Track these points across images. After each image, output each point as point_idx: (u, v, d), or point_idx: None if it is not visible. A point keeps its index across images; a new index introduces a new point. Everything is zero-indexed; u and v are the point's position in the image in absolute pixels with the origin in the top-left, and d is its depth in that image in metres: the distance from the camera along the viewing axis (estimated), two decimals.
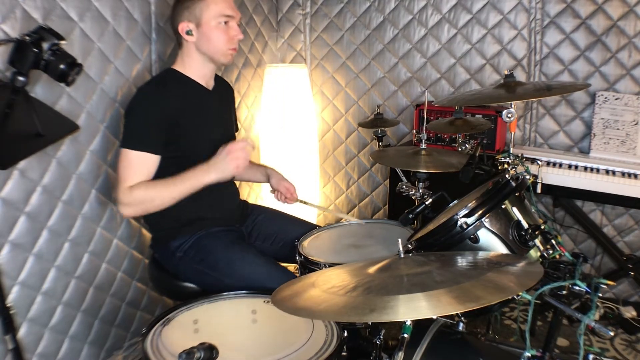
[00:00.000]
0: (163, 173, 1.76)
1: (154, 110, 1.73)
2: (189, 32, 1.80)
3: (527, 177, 1.52)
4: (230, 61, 1.88)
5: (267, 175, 2.19)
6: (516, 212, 1.38)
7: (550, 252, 1.35)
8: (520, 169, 1.56)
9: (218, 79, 2.02)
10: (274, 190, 2.19)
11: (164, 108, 1.74)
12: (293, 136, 3.01)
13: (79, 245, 1.92)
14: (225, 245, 1.82)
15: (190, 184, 1.72)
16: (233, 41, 1.84)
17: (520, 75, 2.74)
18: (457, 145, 2.06)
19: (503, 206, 1.40)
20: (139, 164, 1.72)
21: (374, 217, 3.34)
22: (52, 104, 1.72)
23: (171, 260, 1.85)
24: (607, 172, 2.36)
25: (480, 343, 1.44)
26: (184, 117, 1.78)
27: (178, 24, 1.81)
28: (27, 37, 1.32)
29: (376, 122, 2.45)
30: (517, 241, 1.37)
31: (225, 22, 1.81)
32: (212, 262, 1.77)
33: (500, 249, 1.38)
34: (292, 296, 1.15)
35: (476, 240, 1.37)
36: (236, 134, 2.20)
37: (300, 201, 2.18)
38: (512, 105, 1.58)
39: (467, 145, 2.01)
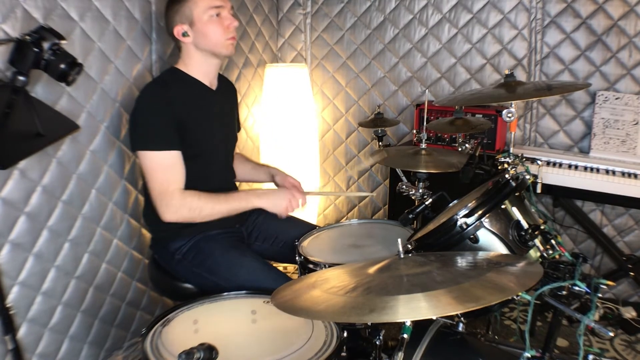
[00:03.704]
0: None
1: (162, 109, 1.72)
2: (184, 34, 1.80)
3: (527, 177, 1.52)
4: (232, 51, 1.87)
5: (271, 174, 2.18)
6: (516, 212, 1.38)
7: (550, 252, 1.35)
8: (520, 168, 1.56)
9: (222, 79, 2.02)
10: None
11: (171, 107, 1.73)
12: (293, 136, 3.01)
13: (79, 245, 1.92)
14: (224, 248, 1.82)
15: (239, 204, 1.81)
16: (229, 30, 1.83)
17: (520, 75, 2.74)
18: (457, 145, 2.06)
19: (503, 206, 1.40)
20: (171, 163, 1.73)
21: (373, 217, 3.34)
22: (52, 103, 1.72)
23: (170, 261, 1.85)
24: (607, 172, 2.36)
25: (480, 343, 1.44)
26: (188, 117, 1.78)
27: (173, 29, 1.81)
28: (27, 37, 1.32)
29: (376, 122, 2.45)
30: (517, 241, 1.37)
31: (217, 14, 1.81)
32: (210, 265, 1.77)
33: (500, 249, 1.38)
34: (292, 296, 1.15)
35: (476, 240, 1.37)
36: (238, 134, 2.20)
37: (307, 193, 2.17)
38: (512, 105, 1.58)
39: (467, 145, 2.00)
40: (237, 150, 2.20)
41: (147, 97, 1.77)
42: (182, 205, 1.71)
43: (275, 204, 1.84)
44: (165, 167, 1.72)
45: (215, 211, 1.76)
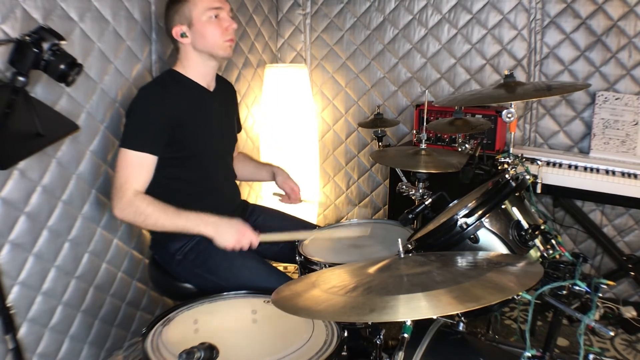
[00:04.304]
0: (163, 173, 1.77)
1: (155, 111, 1.73)
2: (183, 35, 1.80)
3: (527, 177, 1.52)
4: (230, 54, 1.87)
5: (273, 173, 2.18)
6: (516, 212, 1.38)
7: (550, 252, 1.35)
8: (520, 169, 1.56)
9: (220, 80, 2.02)
10: (277, 194, 2.19)
11: (166, 109, 1.74)
12: (293, 136, 3.01)
13: (79, 245, 1.92)
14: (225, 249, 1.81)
15: (188, 224, 1.70)
16: (228, 32, 1.83)
17: (520, 75, 2.74)
18: (457, 145, 2.06)
19: (503, 206, 1.40)
20: (139, 164, 1.72)
21: (374, 217, 3.34)
22: (52, 104, 1.72)
23: (171, 262, 1.84)
24: (607, 172, 2.36)
25: (480, 343, 1.44)
26: (185, 119, 1.78)
27: (172, 30, 1.81)
28: (27, 37, 1.32)
29: (376, 122, 2.45)
30: (517, 241, 1.37)
31: (216, 16, 1.81)
32: (211, 266, 1.77)
33: (500, 249, 1.38)
34: (292, 296, 1.15)
35: (476, 240, 1.37)
36: (238, 134, 2.20)
37: (304, 201, 2.17)
38: (512, 106, 1.58)
39: (467, 145, 2.00)
40: (238, 150, 2.20)
41: (142, 98, 1.78)
42: (129, 206, 1.69)
43: (223, 237, 1.71)
44: (131, 165, 1.71)
45: (159, 223, 1.70)
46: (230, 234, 1.71)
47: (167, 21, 1.84)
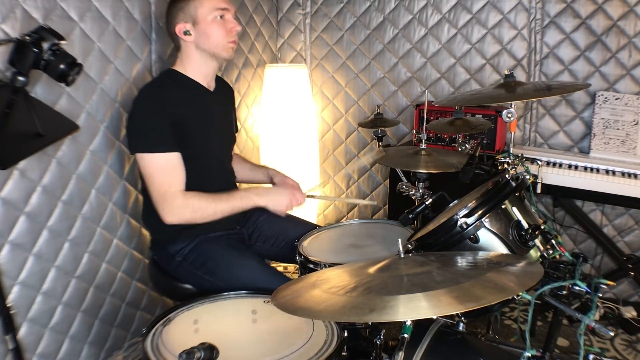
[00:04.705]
0: None
1: (160, 111, 1.72)
2: (186, 32, 1.80)
3: (527, 177, 1.52)
4: (231, 55, 1.88)
5: (270, 175, 2.18)
6: (516, 212, 1.38)
7: (550, 252, 1.35)
8: (520, 169, 1.56)
9: (219, 80, 2.02)
10: None
11: (168, 109, 1.73)
12: (293, 136, 3.01)
13: (79, 245, 1.92)
14: (225, 250, 1.82)
15: (240, 203, 1.80)
16: (231, 34, 1.84)
17: (520, 75, 2.74)
18: (457, 145, 2.06)
19: (503, 206, 1.40)
20: (171, 165, 1.72)
21: (374, 217, 3.34)
22: (52, 104, 1.72)
23: (170, 263, 1.84)
24: (607, 172, 2.36)
25: (480, 343, 1.44)
26: (186, 118, 1.78)
27: (175, 27, 1.81)
28: (27, 37, 1.32)
29: (376, 122, 2.45)
30: (517, 241, 1.37)
31: (221, 16, 1.81)
32: (211, 267, 1.77)
33: (500, 249, 1.38)
34: (292, 296, 1.15)
35: (476, 240, 1.37)
36: (237, 134, 2.20)
37: (308, 196, 2.17)
38: (512, 105, 1.58)
39: (467, 145, 2.01)
40: (237, 150, 2.19)
41: (144, 99, 1.77)
42: (185, 206, 1.71)
43: (277, 202, 1.85)
44: (164, 169, 1.71)
45: (218, 210, 1.76)
46: (282, 198, 1.86)
47: (169, 18, 1.83)
